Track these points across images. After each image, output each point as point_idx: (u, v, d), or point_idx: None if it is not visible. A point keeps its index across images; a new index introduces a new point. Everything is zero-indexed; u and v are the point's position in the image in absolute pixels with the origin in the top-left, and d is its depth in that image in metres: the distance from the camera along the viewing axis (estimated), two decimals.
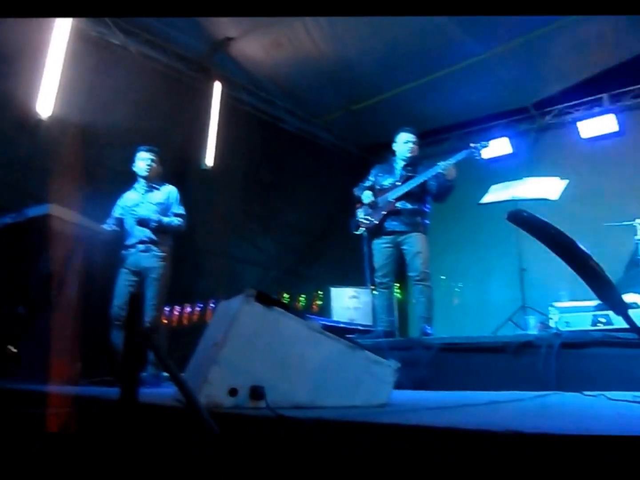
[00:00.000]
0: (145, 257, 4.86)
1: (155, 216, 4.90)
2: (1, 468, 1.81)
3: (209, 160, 7.49)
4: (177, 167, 6.87)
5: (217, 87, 7.70)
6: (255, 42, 7.02)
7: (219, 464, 1.53)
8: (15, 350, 4.71)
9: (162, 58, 7.25)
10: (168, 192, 5.07)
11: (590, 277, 1.57)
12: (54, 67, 5.92)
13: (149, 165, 5.03)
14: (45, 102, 5.82)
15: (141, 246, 4.87)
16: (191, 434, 1.67)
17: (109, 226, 4.94)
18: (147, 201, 5.00)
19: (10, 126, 5.56)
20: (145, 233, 4.88)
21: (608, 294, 1.64)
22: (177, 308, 7.19)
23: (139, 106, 6.61)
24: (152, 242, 4.87)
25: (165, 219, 4.93)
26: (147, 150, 5.07)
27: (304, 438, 1.60)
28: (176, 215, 5.00)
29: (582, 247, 1.55)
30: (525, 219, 1.66)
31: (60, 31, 6.00)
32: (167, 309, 7.01)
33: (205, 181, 7.35)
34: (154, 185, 5.07)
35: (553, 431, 1.26)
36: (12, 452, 1.87)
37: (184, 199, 5.19)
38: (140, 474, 1.71)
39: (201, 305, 7.22)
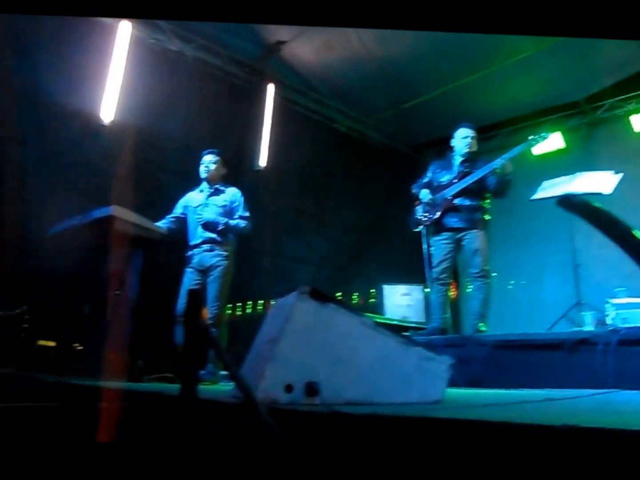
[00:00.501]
0: (209, 256, 4.95)
1: (221, 219, 5.00)
2: (68, 460, 1.88)
3: (262, 161, 7.57)
4: (232, 168, 6.98)
5: (270, 90, 7.77)
6: (307, 45, 7.09)
7: (276, 459, 1.55)
8: (80, 348, 4.88)
9: (217, 62, 7.38)
10: (232, 194, 5.16)
11: None
12: (115, 74, 6.14)
13: (207, 167, 5.13)
14: (108, 108, 6.04)
15: (206, 246, 4.97)
16: (251, 433, 1.69)
17: (164, 224, 5.06)
18: (211, 203, 5.10)
19: (75, 132, 5.78)
20: (208, 234, 4.99)
21: None
22: (234, 307, 7.28)
23: (195, 109, 6.76)
24: (216, 242, 4.97)
25: (232, 222, 5.03)
26: (207, 154, 5.19)
27: (359, 434, 1.61)
28: (242, 217, 5.09)
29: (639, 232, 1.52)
30: (577, 205, 1.63)
31: (121, 40, 6.24)
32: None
33: (258, 182, 7.42)
34: (218, 187, 5.17)
35: (612, 426, 1.25)
36: (77, 445, 1.94)
37: None
38: (198, 468, 1.76)
39: (256, 304, 7.30)
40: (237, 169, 7.16)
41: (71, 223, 4.61)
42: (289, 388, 2.11)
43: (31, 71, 5.50)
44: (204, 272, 4.94)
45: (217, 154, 5.21)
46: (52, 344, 4.98)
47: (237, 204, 5.13)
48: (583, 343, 3.81)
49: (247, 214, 5.13)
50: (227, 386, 3.52)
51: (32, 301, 4.78)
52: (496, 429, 1.41)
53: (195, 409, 1.85)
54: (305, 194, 8.28)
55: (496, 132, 8.95)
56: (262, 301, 7.30)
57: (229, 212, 5.09)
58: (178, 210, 5.19)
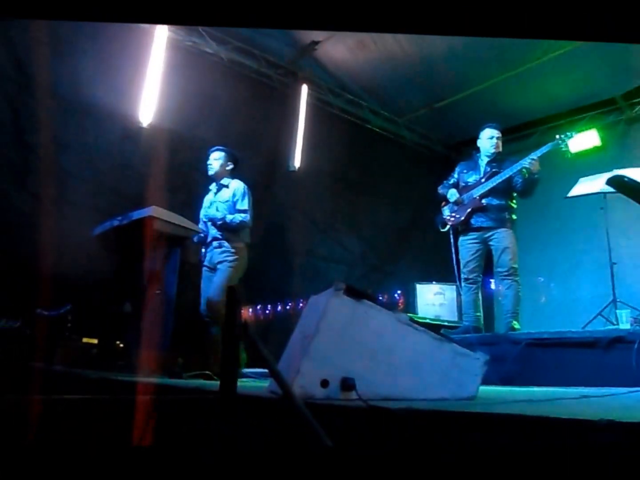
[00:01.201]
0: (217, 253, 4.92)
1: (220, 214, 4.96)
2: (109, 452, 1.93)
3: (297, 161, 7.61)
4: (267, 169, 7.08)
5: (304, 90, 7.84)
6: (341, 44, 7.11)
7: (314, 454, 1.58)
8: (122, 346, 4.98)
9: (252, 64, 7.47)
10: (234, 188, 5.07)
11: None
12: (153, 77, 6.30)
13: (210, 164, 5.13)
14: (146, 111, 6.20)
15: (215, 243, 4.95)
16: (290, 427, 1.72)
17: (202, 231, 5.10)
18: (217, 200, 5.10)
19: (114, 135, 5.98)
20: (216, 231, 4.97)
21: None
22: (268, 306, 7.35)
23: (230, 111, 6.87)
24: (223, 238, 4.93)
25: (229, 217, 4.94)
26: (213, 151, 5.18)
27: (395, 428, 1.63)
28: (240, 211, 4.99)
29: None
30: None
31: (158, 43, 6.39)
32: (258, 307, 7.22)
33: (292, 182, 7.50)
34: (222, 183, 5.13)
35: None
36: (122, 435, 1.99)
37: (273, 200, 5.24)
38: (238, 460, 1.78)
39: (289, 303, 7.35)
40: (272, 170, 7.24)
41: (112, 224, 4.73)
42: (324, 383, 2.14)
43: (71, 76, 5.64)
44: (214, 269, 4.93)
45: (222, 150, 5.18)
46: (94, 341, 5.10)
47: (237, 197, 5.04)
48: (619, 341, 3.78)
49: (244, 206, 5.00)
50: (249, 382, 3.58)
51: (75, 301, 4.89)
52: (533, 423, 1.41)
53: (235, 404, 1.88)
54: (339, 194, 8.32)
55: (533, 130, 8.86)
56: (295, 300, 7.34)
57: (232, 206, 5.03)
58: (202, 214, 5.23)
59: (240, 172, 5.30)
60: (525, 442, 1.37)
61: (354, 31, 6.07)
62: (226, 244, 4.93)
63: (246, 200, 5.03)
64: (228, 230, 4.95)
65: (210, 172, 5.14)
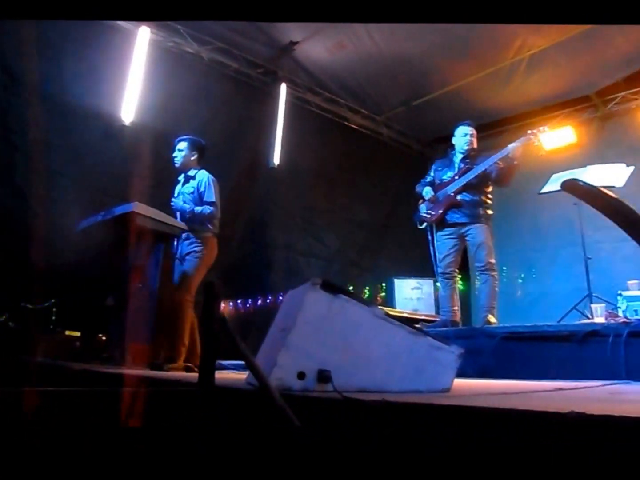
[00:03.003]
0: (186, 244, 4.87)
1: (188, 206, 4.90)
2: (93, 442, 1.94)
3: (276, 159, 7.70)
4: (247, 166, 7.11)
5: (283, 89, 7.94)
6: (319, 45, 7.19)
7: (289, 443, 1.60)
8: (104, 338, 4.99)
9: (232, 64, 7.57)
10: (199, 180, 5.00)
11: None
12: (135, 77, 6.39)
13: (175, 155, 5.06)
14: (128, 110, 6.30)
15: (183, 235, 4.88)
16: (266, 418, 1.74)
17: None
18: (184, 191, 5.04)
19: (98, 133, 6.07)
20: (185, 222, 4.91)
21: None
22: (248, 300, 7.38)
23: (211, 110, 6.95)
24: (190, 230, 4.87)
25: (197, 209, 4.89)
26: (178, 142, 5.11)
27: (369, 420, 1.65)
28: (207, 203, 4.93)
29: None
30: (582, 188, 1.63)
31: (141, 44, 6.50)
32: (239, 301, 7.25)
33: (272, 179, 7.59)
34: (188, 174, 5.07)
35: (622, 414, 1.26)
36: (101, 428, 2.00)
37: (253, 196, 5.24)
38: (217, 450, 1.80)
39: (269, 297, 7.38)
40: (252, 167, 7.29)
41: (96, 219, 4.73)
42: (301, 375, 2.16)
43: (57, 76, 5.73)
44: (183, 260, 4.88)
45: (186, 140, 5.09)
46: (78, 334, 5.12)
47: (202, 189, 4.97)
48: (594, 335, 3.82)
49: (211, 198, 4.94)
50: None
51: (59, 294, 4.92)
52: (503, 416, 1.43)
53: (213, 395, 1.90)
54: (317, 190, 8.38)
55: (507, 127, 8.92)
56: (275, 294, 7.37)
57: (197, 198, 4.98)
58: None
59: (221, 168, 5.31)
60: (495, 434, 1.39)
61: (338, 22, 6.10)
62: (194, 235, 4.88)
63: (212, 192, 4.97)
64: (195, 221, 4.90)
65: (176, 164, 5.08)
